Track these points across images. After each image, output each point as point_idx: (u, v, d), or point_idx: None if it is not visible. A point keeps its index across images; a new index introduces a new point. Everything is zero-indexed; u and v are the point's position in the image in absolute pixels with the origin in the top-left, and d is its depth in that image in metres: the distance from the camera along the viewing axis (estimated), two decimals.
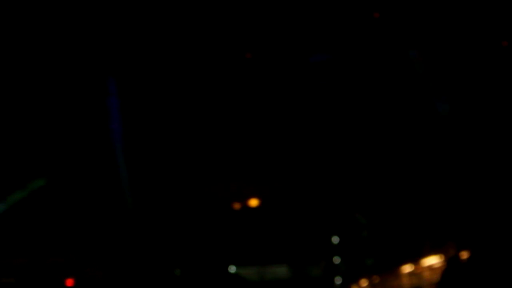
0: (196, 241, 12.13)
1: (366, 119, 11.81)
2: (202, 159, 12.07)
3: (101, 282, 11.30)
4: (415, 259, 11.90)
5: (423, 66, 11.06)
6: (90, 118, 11.54)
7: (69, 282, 11.23)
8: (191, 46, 11.16)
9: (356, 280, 13.27)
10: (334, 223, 12.84)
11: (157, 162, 11.96)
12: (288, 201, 12.47)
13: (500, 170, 10.31)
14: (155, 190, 11.82)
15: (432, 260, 11.28)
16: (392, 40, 11.10)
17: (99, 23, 10.69)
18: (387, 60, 11.39)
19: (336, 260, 12.98)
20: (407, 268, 12.26)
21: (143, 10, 10.71)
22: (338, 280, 13.01)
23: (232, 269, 12.55)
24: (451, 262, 10.00)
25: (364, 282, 13.28)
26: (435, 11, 10.60)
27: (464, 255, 9.65)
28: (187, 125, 11.99)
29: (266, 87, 11.76)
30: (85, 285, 11.27)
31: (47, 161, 11.47)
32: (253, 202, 12.51)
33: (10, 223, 11.22)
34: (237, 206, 12.49)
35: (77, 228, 11.44)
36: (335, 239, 12.97)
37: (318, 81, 11.72)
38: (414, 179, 11.59)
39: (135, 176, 11.79)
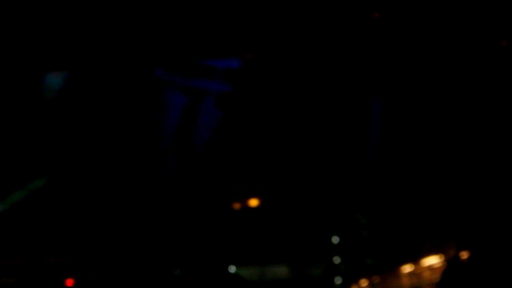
0: (196, 241, 12.12)
1: (365, 118, 11.80)
2: (201, 159, 12.07)
3: (101, 282, 11.30)
4: (415, 259, 11.90)
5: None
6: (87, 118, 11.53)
7: (69, 282, 11.22)
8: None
9: (356, 280, 13.26)
10: (334, 223, 12.83)
11: (157, 161, 11.96)
12: (288, 201, 12.46)
13: (500, 170, 10.31)
14: (155, 190, 11.82)
15: (432, 260, 11.28)
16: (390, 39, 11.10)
17: None
18: (384, 59, 11.39)
19: (336, 260, 12.96)
20: (407, 268, 12.25)
21: None
22: (338, 280, 12.99)
23: (232, 269, 12.53)
24: (451, 262, 10.00)
25: (364, 282, 13.26)
26: (433, 11, 10.59)
27: (464, 255, 9.65)
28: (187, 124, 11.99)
29: (266, 86, 11.76)
30: (85, 285, 11.26)
31: (47, 161, 11.46)
32: (253, 202, 12.51)
33: (10, 223, 11.21)
34: (237, 206, 12.49)
35: (77, 228, 11.44)
36: (335, 239, 12.96)
37: (317, 81, 11.71)
38: (414, 179, 11.58)
39: (135, 176, 11.78)
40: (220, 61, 11.51)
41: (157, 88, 11.44)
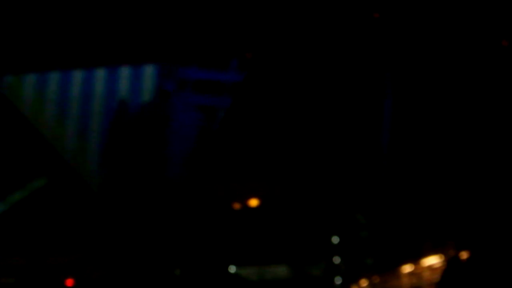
0: (196, 241, 12.13)
1: (365, 118, 11.81)
2: (201, 160, 12.07)
3: (101, 282, 11.31)
4: (415, 259, 11.90)
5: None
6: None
7: (69, 282, 11.24)
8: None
9: (356, 280, 13.27)
10: (334, 223, 12.84)
11: (158, 162, 11.97)
12: (288, 200, 12.47)
13: (500, 170, 10.31)
14: (154, 190, 11.83)
15: (432, 260, 11.28)
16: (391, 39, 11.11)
17: None
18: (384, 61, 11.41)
19: (336, 260, 12.97)
20: (407, 268, 12.25)
21: None
22: (338, 280, 13.00)
23: (232, 269, 12.54)
24: (451, 262, 10.00)
25: (364, 282, 13.27)
26: (433, 11, 10.60)
27: (464, 255, 9.65)
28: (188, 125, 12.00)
29: (266, 86, 11.77)
30: (85, 285, 11.27)
31: (47, 161, 11.48)
32: (253, 202, 12.51)
33: (10, 223, 11.22)
34: (237, 206, 12.50)
35: (77, 228, 11.45)
36: (335, 239, 12.97)
37: (317, 82, 11.72)
38: (414, 179, 11.59)
39: (134, 177, 11.80)
40: (225, 74, 11.59)
41: (169, 102, 11.54)
